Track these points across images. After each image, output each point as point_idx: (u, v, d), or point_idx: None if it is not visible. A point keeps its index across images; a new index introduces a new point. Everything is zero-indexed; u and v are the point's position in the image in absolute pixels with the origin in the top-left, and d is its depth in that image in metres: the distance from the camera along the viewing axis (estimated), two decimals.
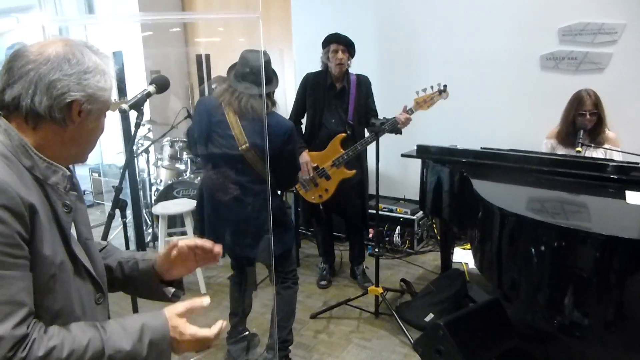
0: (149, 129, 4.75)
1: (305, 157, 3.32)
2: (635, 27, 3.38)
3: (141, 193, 4.59)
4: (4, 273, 0.86)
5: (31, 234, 0.91)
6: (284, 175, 2.43)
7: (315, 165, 3.34)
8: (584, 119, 3.04)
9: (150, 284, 1.25)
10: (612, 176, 2.45)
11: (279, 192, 2.65)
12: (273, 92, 2.34)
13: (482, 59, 3.93)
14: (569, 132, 3.16)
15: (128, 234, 2.08)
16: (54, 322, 0.95)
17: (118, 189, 1.90)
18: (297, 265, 2.80)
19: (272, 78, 2.33)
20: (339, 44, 3.27)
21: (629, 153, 2.73)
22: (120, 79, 3.55)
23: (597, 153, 3.04)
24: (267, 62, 2.30)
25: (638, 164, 2.46)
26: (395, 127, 3.11)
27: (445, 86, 3.11)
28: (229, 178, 2.33)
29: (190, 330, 1.03)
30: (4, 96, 0.96)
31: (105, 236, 1.91)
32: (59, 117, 0.97)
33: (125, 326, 0.98)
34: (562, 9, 3.58)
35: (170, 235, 4.04)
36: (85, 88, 0.99)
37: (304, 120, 3.55)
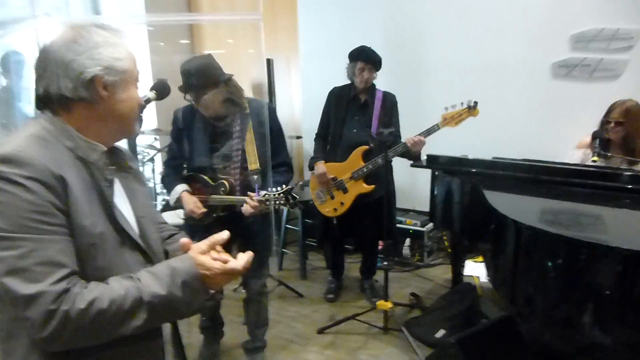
0: (155, 138, 4.70)
1: (320, 167, 3.25)
2: None
3: None
4: (40, 237, 0.93)
5: (66, 205, 0.98)
6: None
7: (333, 176, 3.25)
8: (607, 126, 2.92)
9: None
10: (628, 186, 2.35)
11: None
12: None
13: (493, 67, 3.85)
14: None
15: None
16: None
17: None
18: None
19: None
20: (367, 62, 3.18)
21: None
22: None
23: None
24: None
25: None
26: (407, 150, 3.01)
27: (475, 103, 2.96)
28: None
29: (217, 264, 1.07)
30: (38, 92, 1.06)
31: None
32: (86, 95, 1.04)
33: (156, 273, 1.03)
34: (574, 15, 3.50)
35: None
36: (100, 62, 1.05)
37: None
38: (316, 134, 3.46)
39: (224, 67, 2.43)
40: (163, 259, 1.21)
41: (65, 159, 1.02)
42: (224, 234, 1.14)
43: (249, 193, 2.30)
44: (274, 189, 2.23)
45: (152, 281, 1.01)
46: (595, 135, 2.95)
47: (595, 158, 2.77)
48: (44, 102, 1.07)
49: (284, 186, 2.23)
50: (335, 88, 3.41)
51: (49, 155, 0.99)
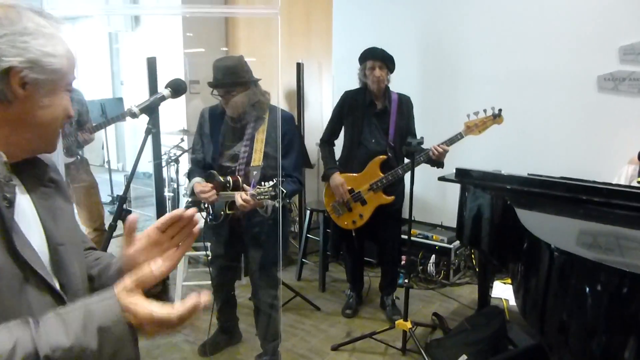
0: (182, 139, 4.68)
1: (337, 179, 3.11)
2: None
3: (169, 203, 4.51)
4: None
5: None
6: None
7: (350, 188, 3.11)
8: None
9: None
10: None
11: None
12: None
13: (533, 78, 3.63)
14: None
15: None
16: None
17: (122, 199, 1.75)
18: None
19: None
20: (376, 59, 3.04)
21: None
22: (151, 86, 3.48)
23: None
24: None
25: None
26: (431, 158, 2.88)
27: (500, 110, 2.84)
28: None
29: (144, 310, 0.80)
30: None
31: (105, 248, 1.77)
32: None
33: (65, 317, 0.78)
34: (623, 25, 3.26)
35: (194, 249, 3.90)
36: (24, 52, 0.82)
37: (337, 142, 3.33)
38: (322, 140, 3.28)
39: (257, 68, 2.53)
40: (79, 294, 0.94)
41: None
42: (156, 265, 0.87)
43: (244, 186, 2.34)
44: (266, 183, 2.22)
45: (55, 329, 0.76)
46: None
47: None
48: None
49: (274, 180, 2.22)
50: (349, 92, 3.23)
51: None
